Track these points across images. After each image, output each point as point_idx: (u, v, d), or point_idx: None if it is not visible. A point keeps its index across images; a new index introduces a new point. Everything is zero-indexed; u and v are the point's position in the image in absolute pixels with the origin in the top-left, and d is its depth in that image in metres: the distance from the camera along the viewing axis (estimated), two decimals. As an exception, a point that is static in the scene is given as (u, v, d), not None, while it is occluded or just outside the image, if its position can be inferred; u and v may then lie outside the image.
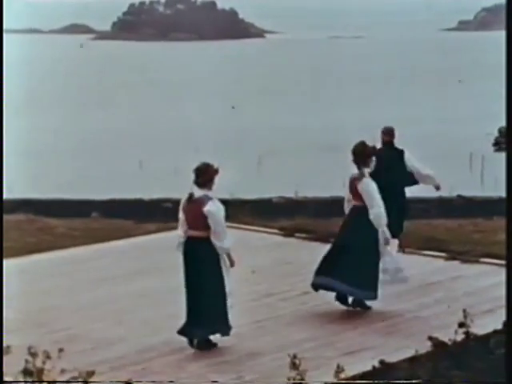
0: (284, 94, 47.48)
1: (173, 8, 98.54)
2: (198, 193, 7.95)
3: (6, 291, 7.35)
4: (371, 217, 8.77)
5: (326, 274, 8.91)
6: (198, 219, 7.87)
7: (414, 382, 6.96)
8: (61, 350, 6.16)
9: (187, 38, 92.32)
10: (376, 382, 7.03)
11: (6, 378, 6.38)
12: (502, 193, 18.26)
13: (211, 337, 8.05)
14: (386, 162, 9.99)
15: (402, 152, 10.57)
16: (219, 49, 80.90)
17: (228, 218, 12.77)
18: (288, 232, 12.04)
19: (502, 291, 9.22)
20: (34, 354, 6.03)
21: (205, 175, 7.97)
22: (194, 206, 7.91)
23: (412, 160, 10.57)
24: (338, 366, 6.62)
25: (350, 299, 9.04)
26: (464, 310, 7.56)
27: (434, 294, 9.44)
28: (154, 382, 7.12)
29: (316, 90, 49.12)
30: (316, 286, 9.02)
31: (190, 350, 8.04)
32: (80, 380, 6.23)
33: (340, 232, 9.10)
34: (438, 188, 10.82)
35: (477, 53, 69.87)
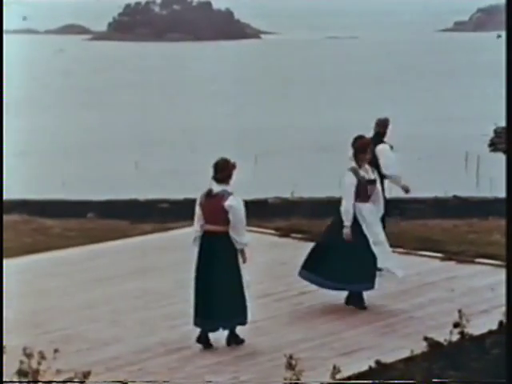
0: (280, 94, 47.48)
1: (168, 8, 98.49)
2: (217, 188, 8.01)
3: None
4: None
5: (316, 272, 8.99)
6: (217, 214, 7.97)
7: (409, 382, 6.97)
8: (56, 351, 6.16)
9: (183, 39, 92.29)
10: (372, 382, 7.04)
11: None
12: (498, 193, 18.38)
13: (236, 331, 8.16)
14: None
15: (390, 146, 10.51)
16: (215, 49, 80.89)
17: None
18: (284, 232, 12.04)
19: (498, 291, 9.25)
20: (29, 355, 6.02)
21: (224, 171, 8.03)
22: (214, 200, 8.00)
23: (383, 155, 10.23)
24: (335, 367, 6.63)
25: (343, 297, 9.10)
26: (459, 311, 7.56)
27: (430, 295, 9.44)
28: (149, 382, 7.12)
29: (312, 90, 49.14)
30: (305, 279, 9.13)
31: (187, 350, 8.04)
32: (77, 380, 6.23)
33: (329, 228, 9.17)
34: (406, 190, 10.48)
35: (472, 53, 69.96)
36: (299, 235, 11.88)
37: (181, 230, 12.64)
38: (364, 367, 7.34)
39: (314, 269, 9.11)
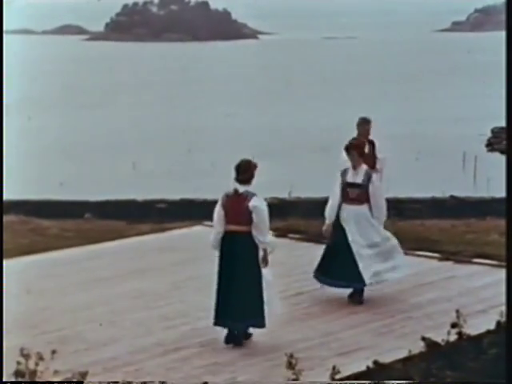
0: (277, 94, 47.48)
1: (166, 9, 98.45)
2: (241, 189, 8.09)
3: (-2, 292, 7.34)
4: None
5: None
6: (241, 214, 8.02)
7: (407, 382, 6.96)
8: (54, 352, 6.15)
9: (180, 39, 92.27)
10: (370, 382, 7.03)
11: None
12: (495, 193, 18.38)
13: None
14: None
15: (373, 143, 10.52)
16: (212, 49, 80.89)
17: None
18: (281, 232, 12.02)
19: (495, 291, 9.25)
20: (26, 356, 6.01)
21: (246, 172, 8.10)
22: (238, 201, 8.06)
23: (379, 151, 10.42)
24: (334, 368, 6.63)
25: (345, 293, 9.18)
26: (457, 311, 7.56)
27: (427, 295, 9.44)
28: (145, 382, 7.11)
29: (310, 90, 49.15)
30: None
31: (184, 350, 8.04)
32: (77, 381, 6.22)
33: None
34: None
35: (470, 53, 70.01)
36: (296, 235, 11.87)
37: (178, 230, 12.64)
38: (362, 367, 7.34)
39: (325, 271, 9.16)
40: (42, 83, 50.99)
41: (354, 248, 9.09)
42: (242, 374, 7.49)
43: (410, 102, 43.19)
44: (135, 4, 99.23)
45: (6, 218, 13.05)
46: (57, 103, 44.41)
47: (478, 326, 8.05)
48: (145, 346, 8.13)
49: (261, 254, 8.09)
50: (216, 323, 8.17)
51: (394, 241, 9.26)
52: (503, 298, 7.85)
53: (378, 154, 10.10)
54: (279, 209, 13.99)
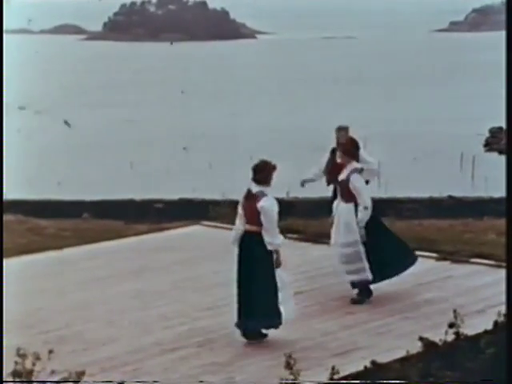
0: (275, 94, 47.48)
1: (164, 8, 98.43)
2: (255, 189, 8.17)
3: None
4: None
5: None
6: (253, 214, 8.13)
7: (405, 382, 6.96)
8: (51, 352, 6.14)
9: (178, 39, 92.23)
10: (368, 382, 7.03)
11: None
12: (493, 193, 18.38)
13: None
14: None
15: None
16: (210, 49, 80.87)
17: (220, 218, 12.84)
18: (279, 232, 12.00)
19: (493, 291, 9.25)
20: (23, 356, 6.00)
21: (262, 172, 8.19)
22: (251, 201, 8.16)
23: (364, 154, 10.41)
24: (333, 368, 6.63)
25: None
26: (454, 311, 7.56)
27: (425, 295, 9.44)
28: (138, 382, 7.11)
29: (308, 90, 49.15)
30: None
31: (182, 350, 8.03)
32: (78, 381, 6.22)
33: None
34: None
35: (468, 53, 70.04)
36: (295, 235, 11.86)
37: (176, 230, 12.63)
38: (360, 367, 7.34)
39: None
40: (39, 83, 50.96)
41: (346, 250, 9.23)
42: (239, 374, 7.49)
43: (408, 102, 43.21)
44: (133, 4, 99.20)
45: (3, 218, 13.07)
46: (54, 103, 44.39)
47: (475, 325, 8.05)
48: (143, 345, 8.12)
49: (274, 255, 8.13)
50: (236, 323, 8.21)
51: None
52: (501, 298, 7.86)
53: (368, 158, 10.08)
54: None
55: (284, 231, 11.98)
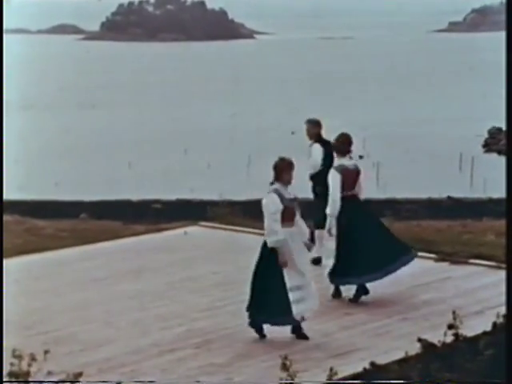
0: (274, 94, 47.49)
1: (162, 8, 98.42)
2: (270, 187, 8.29)
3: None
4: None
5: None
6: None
7: (404, 382, 6.94)
8: (46, 352, 6.11)
9: (176, 39, 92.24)
10: (367, 382, 7.01)
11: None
12: (492, 194, 18.36)
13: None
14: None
15: (329, 143, 10.52)
16: (209, 49, 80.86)
17: (218, 218, 12.81)
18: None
19: (492, 292, 9.23)
20: (18, 357, 5.97)
21: (275, 170, 8.30)
22: None
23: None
24: (331, 369, 6.60)
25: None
26: (453, 312, 7.53)
27: (423, 296, 9.42)
28: (136, 382, 7.08)
29: (306, 90, 49.15)
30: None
31: (180, 351, 8.00)
32: (78, 381, 6.19)
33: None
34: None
35: (467, 54, 70.08)
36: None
37: (174, 230, 12.60)
38: (358, 368, 7.31)
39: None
40: (37, 83, 50.93)
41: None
42: (238, 375, 7.46)
43: (407, 103, 43.22)
44: (131, 3, 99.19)
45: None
46: (52, 103, 44.37)
47: (474, 327, 8.03)
48: (140, 346, 8.09)
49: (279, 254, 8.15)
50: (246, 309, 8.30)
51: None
52: (500, 299, 7.84)
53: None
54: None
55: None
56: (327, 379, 6.69)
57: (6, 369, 6.26)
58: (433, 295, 9.43)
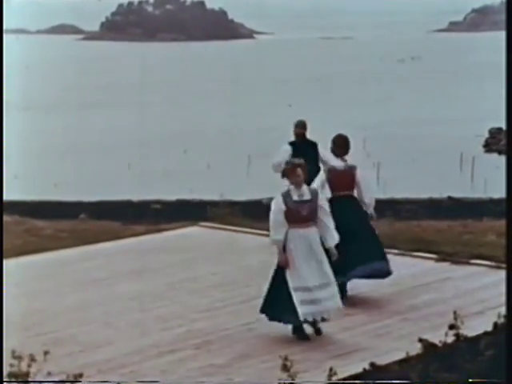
0: (273, 94, 47.47)
1: (161, 8, 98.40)
2: (287, 188, 8.39)
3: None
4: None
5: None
6: None
7: (404, 383, 6.93)
8: (46, 353, 6.10)
9: (176, 39, 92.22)
10: (367, 382, 7.00)
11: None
12: (492, 194, 18.34)
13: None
14: (300, 155, 10.07)
15: (315, 144, 10.57)
16: (208, 49, 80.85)
17: (218, 219, 12.80)
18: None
19: (492, 292, 9.22)
20: (18, 358, 5.96)
21: (282, 174, 8.43)
22: None
23: (325, 152, 10.35)
24: (331, 369, 6.59)
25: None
26: (454, 312, 7.52)
27: (424, 296, 9.40)
28: (136, 382, 7.07)
29: (306, 90, 49.14)
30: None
31: (179, 352, 7.99)
32: (78, 381, 6.18)
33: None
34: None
35: (467, 54, 70.06)
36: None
37: (174, 231, 12.59)
38: (359, 369, 7.30)
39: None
40: (36, 83, 50.90)
41: None
42: (237, 375, 7.45)
43: (407, 103, 43.20)
44: (130, 3, 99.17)
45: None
46: (51, 103, 44.35)
47: (475, 327, 8.01)
48: (140, 347, 8.08)
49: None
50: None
51: None
52: (500, 300, 7.82)
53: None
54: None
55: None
56: (326, 380, 6.68)
57: (5, 370, 6.25)
58: (433, 295, 9.41)
